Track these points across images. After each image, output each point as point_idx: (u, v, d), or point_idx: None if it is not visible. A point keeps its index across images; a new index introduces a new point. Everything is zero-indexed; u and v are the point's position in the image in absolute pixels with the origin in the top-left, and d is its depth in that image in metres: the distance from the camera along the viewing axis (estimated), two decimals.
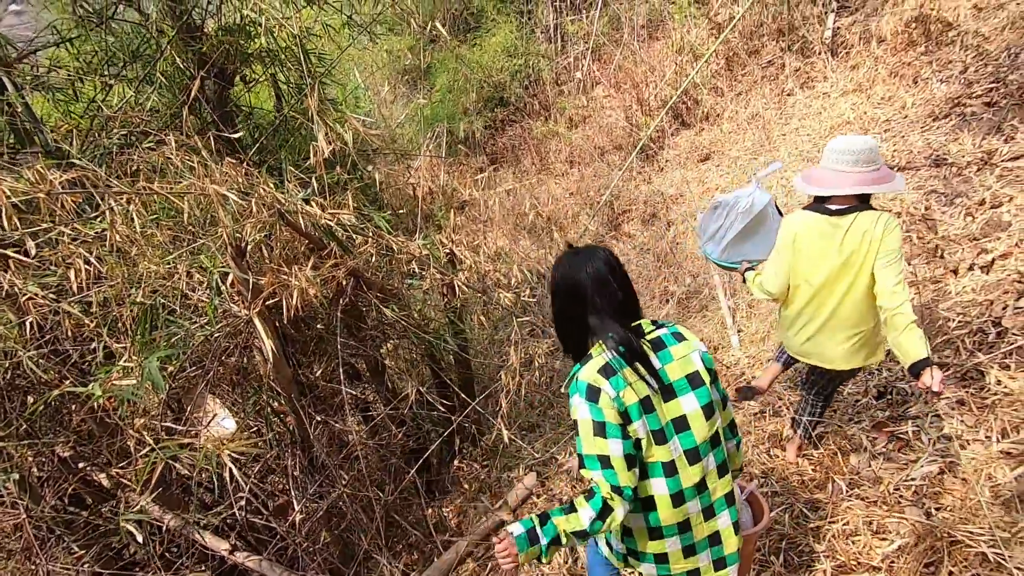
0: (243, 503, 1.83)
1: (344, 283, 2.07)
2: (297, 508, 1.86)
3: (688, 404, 1.34)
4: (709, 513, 1.40)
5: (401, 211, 3.30)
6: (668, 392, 1.34)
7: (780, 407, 3.12)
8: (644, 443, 1.31)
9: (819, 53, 6.18)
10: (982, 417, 2.40)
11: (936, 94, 4.98)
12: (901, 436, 2.50)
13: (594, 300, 1.36)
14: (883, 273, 1.91)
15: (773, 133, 6.00)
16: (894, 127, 5.07)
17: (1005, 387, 2.48)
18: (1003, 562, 1.69)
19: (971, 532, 1.81)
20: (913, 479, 2.21)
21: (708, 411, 1.36)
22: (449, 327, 2.78)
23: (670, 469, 1.33)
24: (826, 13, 6.22)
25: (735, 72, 6.93)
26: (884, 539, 1.98)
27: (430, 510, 3.07)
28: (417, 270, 2.36)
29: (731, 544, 1.43)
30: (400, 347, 2.51)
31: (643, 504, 1.37)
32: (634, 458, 1.30)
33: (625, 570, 1.62)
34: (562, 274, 1.42)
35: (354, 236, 2.20)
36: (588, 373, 1.32)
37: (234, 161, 1.84)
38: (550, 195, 7.67)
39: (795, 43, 6.40)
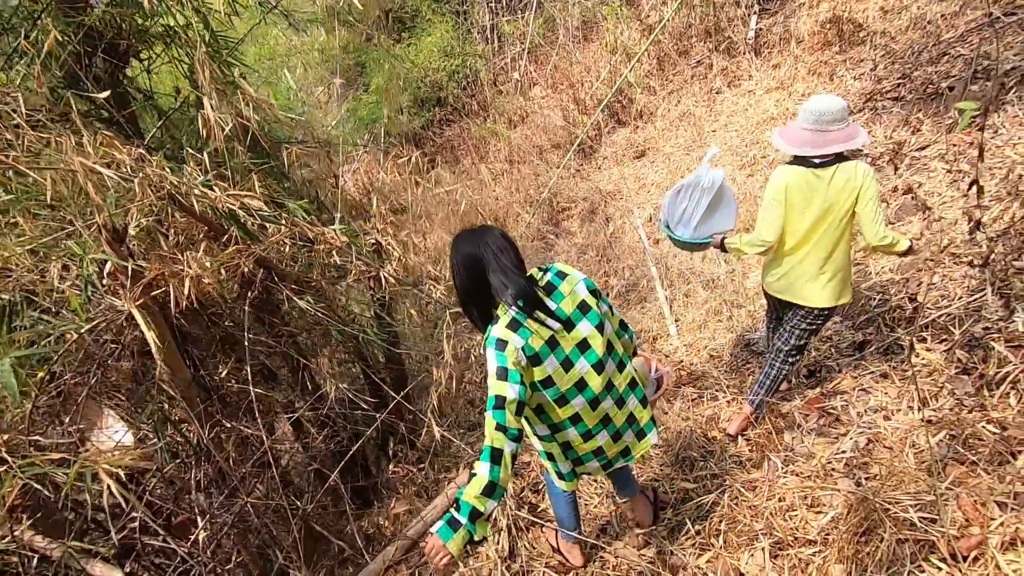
0: (136, 524, 1.60)
1: (252, 274, 1.88)
2: (200, 525, 1.65)
3: (585, 328, 1.60)
4: (620, 403, 1.73)
5: (323, 199, 3.11)
6: (568, 324, 1.58)
7: (717, 391, 3.11)
8: (555, 376, 1.57)
9: (744, 53, 6.37)
10: (904, 388, 2.45)
11: (850, 90, 5.20)
12: (831, 411, 2.52)
13: (494, 261, 1.51)
14: (868, 214, 2.16)
15: (704, 129, 6.12)
16: None
17: (923, 359, 2.55)
18: (929, 528, 1.69)
19: (898, 499, 1.82)
20: (844, 451, 2.22)
21: (600, 328, 1.63)
22: (376, 322, 2.60)
23: (582, 384, 1.61)
24: (749, 15, 6.42)
25: (667, 72, 7.05)
26: (819, 512, 1.96)
27: (365, 519, 2.88)
28: (339, 261, 2.20)
29: (644, 416, 1.81)
30: (322, 344, 2.32)
31: (571, 420, 1.66)
32: (523, 405, 1.48)
33: (578, 486, 1.98)
34: (462, 249, 1.57)
35: (266, 224, 2.01)
36: (498, 329, 1.51)
37: (111, 135, 1.62)
38: (490, 193, 7.57)
39: (721, 43, 6.58)
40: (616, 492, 2.31)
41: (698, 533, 2.12)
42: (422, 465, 2.78)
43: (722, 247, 2.51)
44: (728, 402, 2.97)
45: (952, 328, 2.56)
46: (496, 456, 1.39)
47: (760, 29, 6.35)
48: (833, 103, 2.16)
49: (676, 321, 4.19)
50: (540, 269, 1.62)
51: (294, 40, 9.09)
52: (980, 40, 4.34)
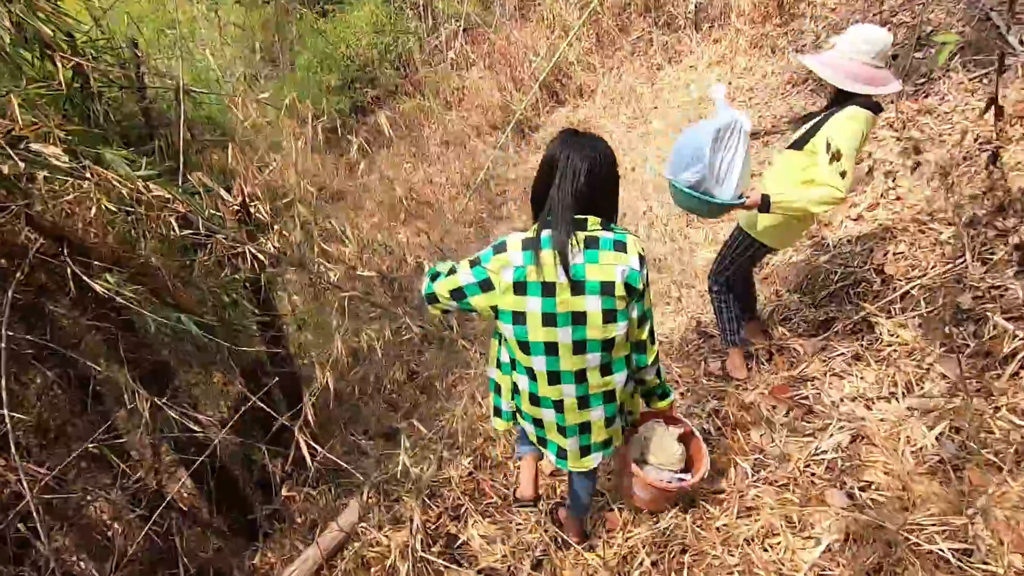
0: None
1: (22, 240, 1.29)
2: None
3: (591, 304, 1.37)
4: (584, 403, 1.50)
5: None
6: (577, 288, 1.36)
7: (669, 383, 2.69)
8: (530, 319, 1.39)
9: (684, 28, 6.03)
10: (882, 372, 2.08)
11: (792, 62, 4.94)
12: (801, 401, 2.13)
13: (559, 180, 1.37)
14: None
15: (646, 105, 5.75)
16: (758, 95, 4.97)
17: (898, 337, 2.20)
18: (966, 565, 1.27)
19: (917, 524, 1.40)
20: (824, 452, 1.82)
21: (608, 316, 1.38)
22: (240, 313, 2.00)
23: (551, 349, 1.42)
24: None
25: (606, 48, 6.64)
26: (808, 538, 1.54)
27: (257, 557, 2.29)
28: (179, 232, 1.61)
29: (600, 435, 1.57)
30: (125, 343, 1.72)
31: (527, 372, 1.49)
32: (462, 295, 1.42)
33: (517, 429, 1.76)
34: (550, 147, 1.42)
35: (62, 177, 1.40)
36: (512, 237, 1.40)
37: None
38: (425, 177, 6.97)
39: (661, 18, 6.22)
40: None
41: (655, 565, 1.66)
42: (321, 487, 2.22)
43: (767, 206, 1.99)
44: (682, 394, 2.55)
45: (927, 301, 2.22)
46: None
47: (700, 3, 6.02)
48: (886, 36, 1.90)
49: None
50: (605, 225, 1.39)
51: (200, 10, 8.13)
52: (924, 6, 4.12)
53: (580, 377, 1.45)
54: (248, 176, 2.60)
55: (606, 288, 1.36)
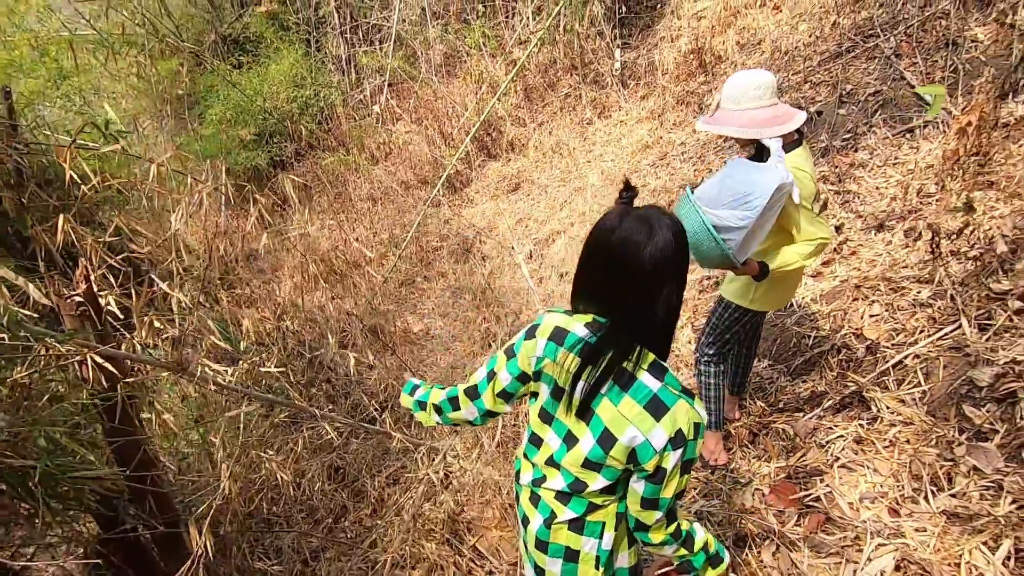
0: None
1: None
2: None
3: (585, 441, 1.05)
4: (541, 545, 1.16)
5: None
6: (582, 412, 1.05)
7: None
8: (539, 399, 1.14)
9: (611, 85, 6.00)
10: (896, 462, 1.76)
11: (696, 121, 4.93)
12: (811, 503, 1.77)
13: (600, 269, 1.03)
14: None
15: (579, 159, 5.57)
16: (690, 149, 4.90)
17: (900, 415, 1.91)
18: None
19: None
20: None
21: (592, 464, 1.05)
22: (91, 441, 1.38)
23: (535, 441, 1.17)
24: (613, 48, 6.10)
25: (535, 103, 6.51)
26: None
27: None
28: None
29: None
30: None
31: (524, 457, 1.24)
32: (510, 396, 1.20)
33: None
34: (600, 222, 1.03)
35: None
36: (553, 319, 1.11)
37: None
38: (351, 235, 6.41)
39: (588, 75, 6.18)
40: None
41: None
42: None
43: (764, 274, 1.79)
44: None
45: (926, 373, 1.96)
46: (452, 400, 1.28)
47: (625, 62, 6.04)
48: (764, 74, 1.80)
49: None
50: (655, 368, 1.01)
51: (98, 60, 7.33)
52: (841, 66, 4.21)
53: (548, 507, 1.13)
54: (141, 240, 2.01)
55: (605, 438, 1.01)
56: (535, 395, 1.16)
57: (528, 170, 5.97)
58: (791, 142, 1.81)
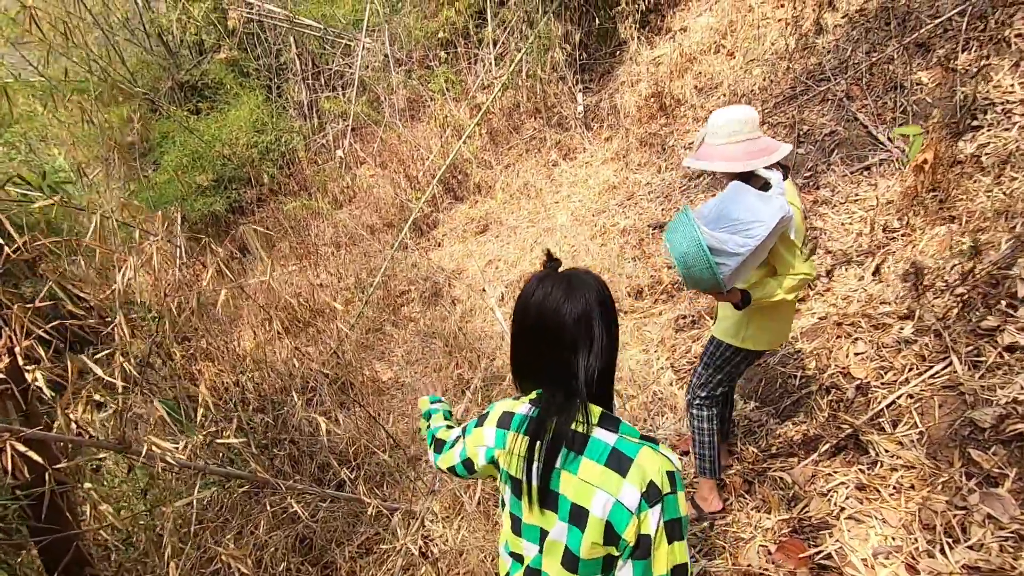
0: None
1: None
2: None
3: (557, 531, 0.93)
4: None
5: None
6: (546, 500, 0.94)
7: None
8: (507, 507, 1.03)
9: (575, 128, 6.08)
10: (904, 511, 1.68)
11: (682, 158, 5.03)
12: (822, 561, 1.65)
13: (559, 356, 0.94)
14: None
15: (547, 200, 5.56)
16: (656, 188, 4.96)
17: (900, 459, 1.84)
18: None
19: None
20: None
21: (569, 562, 0.92)
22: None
23: (517, 557, 1.03)
24: (575, 92, 6.21)
25: (500, 146, 6.54)
26: None
27: None
28: None
29: None
30: None
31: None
32: (456, 474, 1.14)
33: None
34: (533, 298, 0.97)
35: None
36: (501, 405, 1.07)
37: None
38: (315, 281, 6.18)
39: (552, 119, 6.26)
40: None
41: None
42: None
43: (747, 302, 1.75)
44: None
45: (922, 414, 1.90)
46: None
47: (588, 105, 6.16)
48: (745, 109, 1.77)
49: None
50: (608, 419, 0.94)
51: (43, 106, 7.04)
52: (797, 108, 4.36)
53: None
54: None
55: (576, 518, 0.90)
56: (503, 502, 1.07)
57: (496, 212, 5.93)
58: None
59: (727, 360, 1.88)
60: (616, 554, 0.88)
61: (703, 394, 1.95)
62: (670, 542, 0.86)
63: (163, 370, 4.36)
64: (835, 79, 4.28)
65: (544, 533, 0.96)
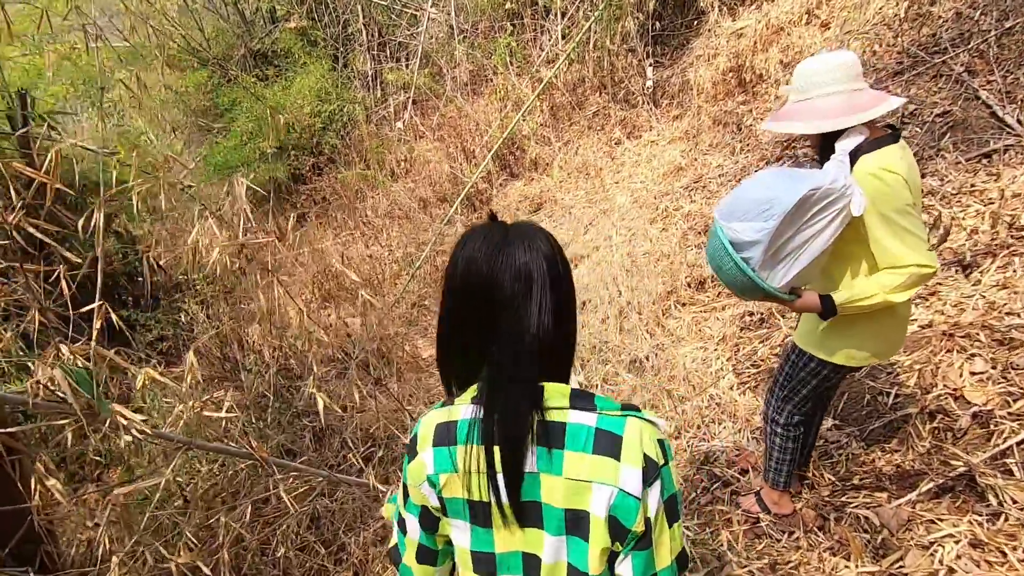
0: None
1: None
2: None
3: (549, 549, 0.73)
4: None
5: None
6: (527, 514, 0.74)
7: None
8: (458, 558, 0.80)
9: (642, 104, 5.63)
10: None
11: (762, 139, 4.51)
12: None
13: (507, 316, 0.74)
14: None
15: (606, 180, 5.18)
16: (728, 172, 4.47)
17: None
18: None
19: None
20: None
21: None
22: None
23: None
24: (645, 65, 5.74)
25: (561, 122, 6.17)
26: None
27: None
28: None
29: None
30: None
31: None
32: (433, 554, 0.82)
33: None
34: (462, 261, 0.77)
35: None
36: (431, 419, 0.80)
37: None
38: (366, 252, 6.10)
39: (619, 94, 5.82)
40: None
41: None
42: None
43: (831, 311, 1.39)
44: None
45: None
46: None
47: (657, 80, 5.67)
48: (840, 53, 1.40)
49: None
50: (579, 393, 0.74)
51: (127, 73, 7.29)
52: (903, 85, 3.76)
53: None
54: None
55: (575, 526, 0.72)
56: (450, 545, 0.82)
57: (552, 190, 5.60)
58: (878, 138, 1.38)
59: (812, 374, 1.51)
60: (618, 550, 0.73)
61: (782, 418, 1.60)
62: (670, 524, 0.73)
63: (209, 331, 4.37)
64: (953, 51, 3.64)
65: (531, 559, 0.75)
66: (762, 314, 3.05)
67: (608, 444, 0.71)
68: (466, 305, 0.77)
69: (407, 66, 7.87)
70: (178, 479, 1.53)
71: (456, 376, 0.81)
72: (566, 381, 0.79)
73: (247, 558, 2.00)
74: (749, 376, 2.65)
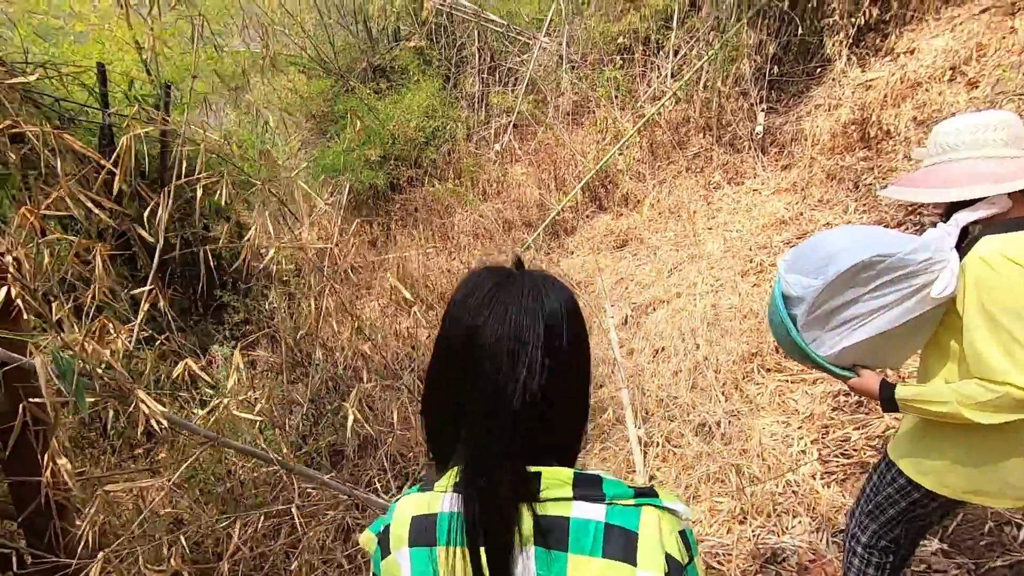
0: None
1: None
2: None
3: None
4: None
5: None
6: None
7: None
8: None
9: (749, 149, 5.31)
10: None
11: (882, 200, 4.06)
12: None
13: (481, 380, 0.61)
14: None
15: (698, 225, 4.90)
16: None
17: None
18: None
19: None
20: None
21: None
22: None
23: None
24: (756, 110, 5.42)
25: (659, 160, 5.97)
26: None
27: None
28: None
29: None
30: None
31: None
32: None
33: None
34: (456, 309, 0.66)
35: None
36: (406, 509, 0.66)
37: None
38: (446, 266, 6.18)
39: (724, 137, 5.54)
40: None
41: None
42: None
43: (890, 402, 1.16)
44: None
45: None
46: None
47: (768, 127, 5.33)
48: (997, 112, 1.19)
49: (651, 479, 2.67)
50: (582, 478, 0.60)
51: (264, 76, 8.00)
52: None
53: None
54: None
55: None
56: None
57: (639, 228, 5.39)
58: (1019, 219, 1.11)
59: (902, 493, 1.23)
60: None
61: (864, 538, 1.32)
62: None
63: (289, 322, 4.57)
64: None
65: None
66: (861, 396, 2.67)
67: (621, 544, 0.58)
68: (447, 360, 0.65)
69: (512, 91, 8.02)
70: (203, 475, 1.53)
71: (442, 450, 0.67)
72: (569, 456, 0.66)
73: (270, 559, 1.98)
74: (837, 466, 2.31)
